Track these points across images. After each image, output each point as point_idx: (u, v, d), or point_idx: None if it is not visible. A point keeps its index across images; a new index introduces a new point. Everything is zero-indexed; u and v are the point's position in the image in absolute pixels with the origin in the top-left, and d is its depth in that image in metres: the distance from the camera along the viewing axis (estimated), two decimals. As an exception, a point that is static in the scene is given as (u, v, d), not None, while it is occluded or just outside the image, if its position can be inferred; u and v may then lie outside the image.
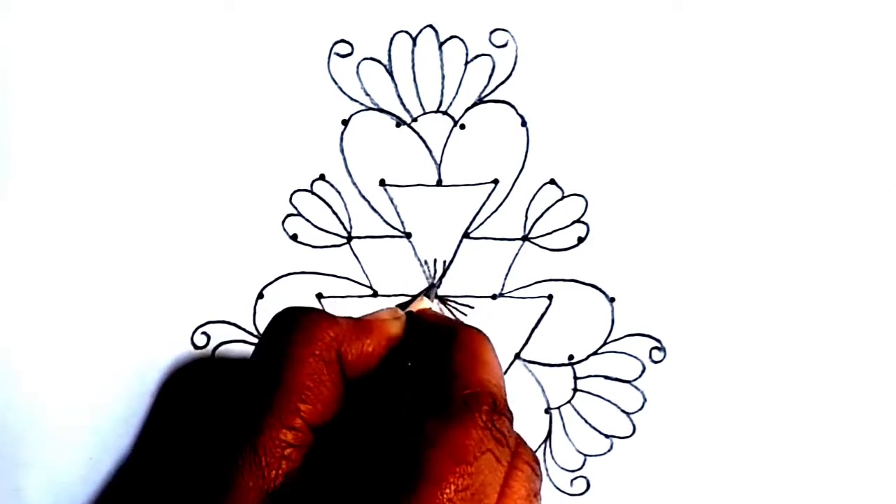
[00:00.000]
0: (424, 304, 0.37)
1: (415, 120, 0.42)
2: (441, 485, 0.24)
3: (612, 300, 0.41)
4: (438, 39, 0.42)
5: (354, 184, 0.42)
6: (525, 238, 0.42)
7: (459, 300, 0.41)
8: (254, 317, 0.41)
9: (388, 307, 0.33)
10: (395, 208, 0.42)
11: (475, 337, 0.30)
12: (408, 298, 0.41)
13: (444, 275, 0.40)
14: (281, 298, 0.41)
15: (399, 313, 0.33)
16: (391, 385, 0.31)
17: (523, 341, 0.41)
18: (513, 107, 0.42)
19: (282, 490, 0.26)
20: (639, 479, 0.41)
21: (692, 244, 0.41)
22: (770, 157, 0.41)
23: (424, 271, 0.42)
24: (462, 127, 0.42)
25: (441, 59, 0.42)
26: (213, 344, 0.41)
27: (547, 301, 0.41)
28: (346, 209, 0.42)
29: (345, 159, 0.42)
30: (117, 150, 0.41)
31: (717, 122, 0.41)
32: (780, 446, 0.41)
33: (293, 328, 0.29)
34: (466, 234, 0.42)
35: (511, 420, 0.28)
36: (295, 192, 0.41)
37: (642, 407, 0.41)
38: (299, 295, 0.41)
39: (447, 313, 0.41)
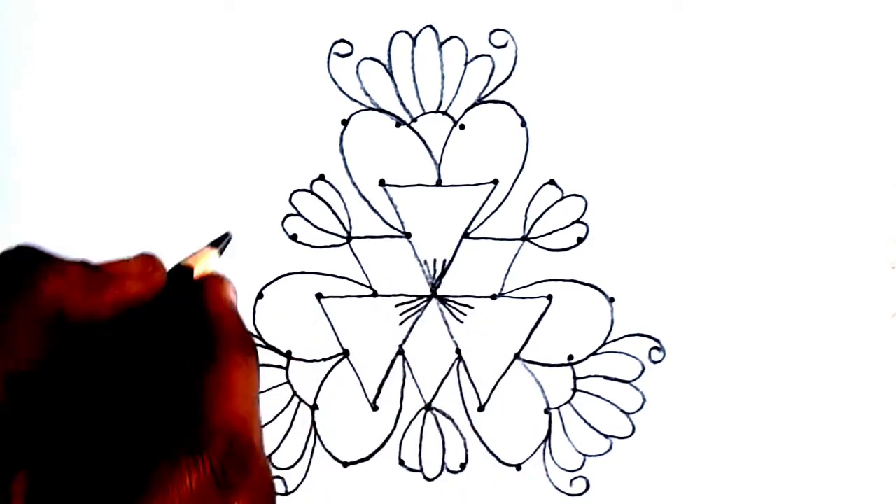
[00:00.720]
0: (209, 260, 0.29)
1: (414, 120, 0.42)
2: None
3: (611, 300, 0.41)
4: (438, 40, 0.42)
5: (354, 184, 0.42)
6: (525, 238, 0.42)
7: (459, 300, 0.41)
8: (253, 316, 0.41)
9: (147, 253, 0.28)
10: (395, 208, 0.42)
11: (235, 359, 0.25)
12: (409, 298, 0.41)
13: (229, 233, 0.31)
14: (281, 298, 0.41)
15: (155, 266, 0.28)
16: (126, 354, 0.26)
17: (523, 341, 0.41)
18: (512, 107, 0.42)
19: None
20: (638, 479, 0.41)
21: (691, 245, 0.41)
22: (769, 158, 0.41)
23: (424, 271, 0.42)
24: (462, 127, 0.42)
25: (441, 60, 0.42)
26: (212, 344, 0.41)
27: (546, 301, 0.41)
28: (346, 209, 0.42)
29: (344, 159, 0.42)
30: (118, 149, 0.41)
31: (717, 122, 0.41)
32: (779, 446, 0.41)
33: (9, 280, 0.25)
34: (466, 234, 0.42)
35: (248, 457, 0.24)
36: (295, 191, 0.41)
37: (642, 407, 0.41)
38: (299, 295, 0.41)
39: (447, 314, 0.41)
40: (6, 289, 0.25)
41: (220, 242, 0.30)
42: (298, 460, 0.41)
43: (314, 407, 0.41)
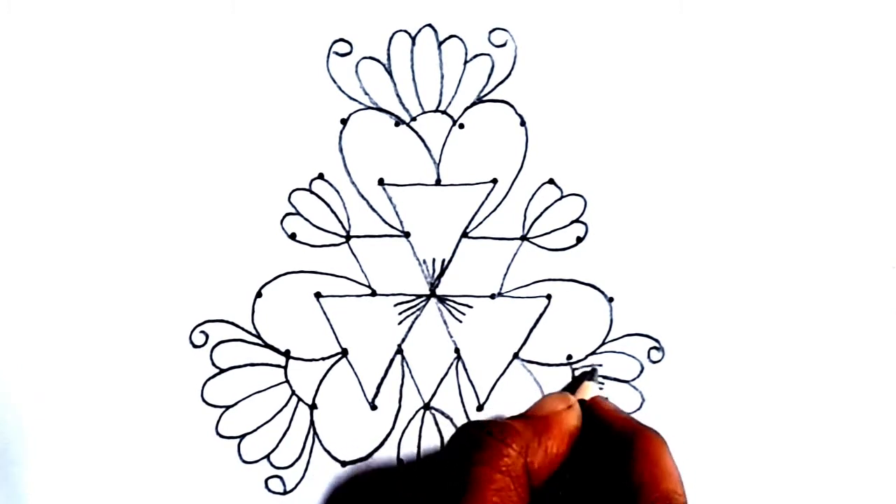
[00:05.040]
0: (591, 390, 0.35)
1: (414, 119, 0.42)
2: None
3: (610, 300, 0.41)
4: (437, 39, 0.42)
5: (353, 183, 0.42)
6: (524, 238, 0.42)
7: (458, 299, 0.41)
8: (252, 316, 0.41)
9: (557, 393, 0.32)
10: (394, 207, 0.42)
11: (655, 442, 0.30)
12: (407, 298, 0.41)
13: (596, 367, 0.40)
14: (279, 297, 0.41)
15: (571, 400, 0.32)
16: (574, 490, 0.30)
17: (522, 341, 0.41)
18: (512, 106, 0.42)
19: None
20: (637, 480, 0.41)
21: (691, 244, 0.41)
22: (769, 158, 0.41)
23: (423, 271, 0.42)
24: (461, 126, 0.42)
25: (440, 59, 0.42)
26: (211, 343, 0.41)
27: (545, 301, 0.41)
28: (345, 208, 0.42)
29: (343, 158, 0.42)
30: (117, 148, 0.41)
31: (716, 122, 0.41)
32: (780, 446, 0.40)
33: (477, 447, 0.28)
34: (465, 234, 0.42)
35: None
36: (294, 190, 0.41)
37: (641, 407, 0.41)
38: (298, 294, 0.41)
39: (446, 314, 0.41)
40: (473, 453, 0.28)
41: (592, 376, 0.37)
42: (297, 459, 0.41)
43: (313, 406, 0.41)
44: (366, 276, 0.41)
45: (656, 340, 0.41)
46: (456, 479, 0.27)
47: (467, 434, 0.29)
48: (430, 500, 0.28)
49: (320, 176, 0.42)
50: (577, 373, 0.40)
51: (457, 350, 0.41)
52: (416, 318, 0.41)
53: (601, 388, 0.40)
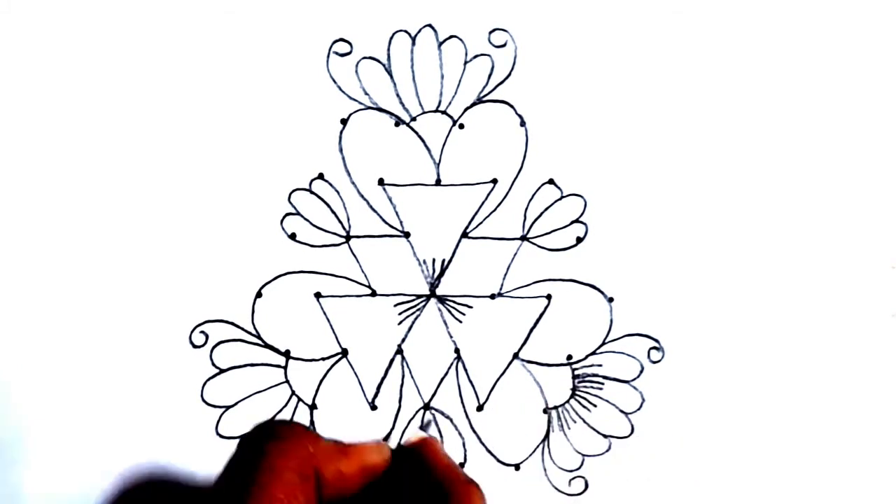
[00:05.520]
0: (418, 436, 0.35)
1: (414, 119, 0.42)
2: None
3: (610, 300, 0.41)
4: (437, 39, 0.42)
5: (353, 183, 0.42)
6: (524, 238, 0.42)
7: (458, 299, 0.41)
8: (252, 316, 0.41)
9: (375, 440, 0.33)
10: (394, 207, 0.42)
11: (471, 497, 0.30)
12: (407, 298, 0.41)
13: (431, 420, 0.41)
14: (279, 297, 0.41)
15: (384, 447, 0.32)
16: None
17: (522, 341, 0.41)
18: (512, 107, 0.42)
19: None
20: (637, 480, 0.41)
21: (691, 245, 0.41)
22: (769, 159, 0.41)
23: (423, 271, 0.42)
24: (461, 126, 0.42)
25: (440, 59, 0.42)
26: (211, 343, 0.41)
27: (545, 301, 0.41)
28: (345, 208, 0.42)
29: (343, 158, 0.42)
30: (117, 148, 0.41)
31: (716, 122, 0.41)
32: (779, 446, 0.41)
33: (271, 437, 0.28)
34: (465, 234, 0.42)
35: None
36: (294, 190, 0.41)
37: (640, 407, 0.41)
38: (298, 294, 0.41)
39: (446, 314, 0.41)
40: (266, 443, 0.28)
41: (426, 428, 0.39)
42: (297, 459, 0.40)
43: (313, 406, 0.41)
44: (366, 276, 0.41)
45: (656, 340, 0.41)
46: (246, 467, 0.27)
47: (268, 426, 0.29)
48: (219, 488, 0.28)
49: (320, 176, 0.42)
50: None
51: (457, 350, 0.41)
52: (416, 318, 0.41)
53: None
